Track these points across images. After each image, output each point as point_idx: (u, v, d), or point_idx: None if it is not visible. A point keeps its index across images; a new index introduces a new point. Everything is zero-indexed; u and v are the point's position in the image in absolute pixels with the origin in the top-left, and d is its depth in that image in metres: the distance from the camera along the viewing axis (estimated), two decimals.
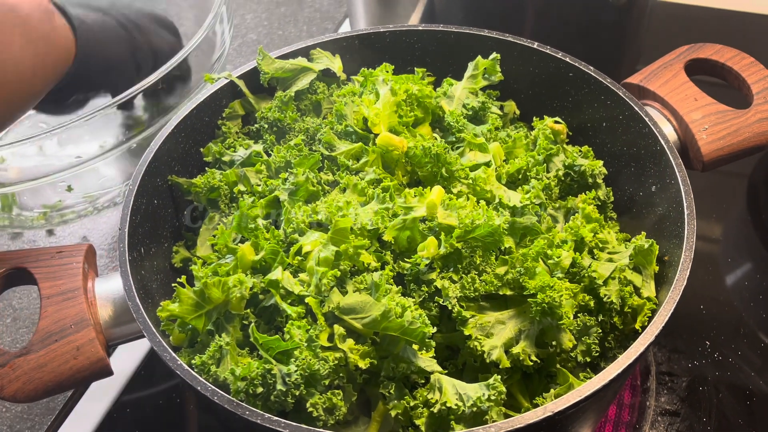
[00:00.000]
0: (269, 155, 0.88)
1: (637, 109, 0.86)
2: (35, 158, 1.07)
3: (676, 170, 0.80)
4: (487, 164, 0.85)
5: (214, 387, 0.65)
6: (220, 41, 1.13)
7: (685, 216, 0.76)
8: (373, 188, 0.80)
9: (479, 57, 0.95)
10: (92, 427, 0.94)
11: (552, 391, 0.73)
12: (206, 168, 0.91)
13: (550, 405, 0.62)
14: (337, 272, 0.71)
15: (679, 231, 0.76)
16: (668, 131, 0.89)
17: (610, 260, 0.79)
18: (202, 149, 0.93)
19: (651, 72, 0.94)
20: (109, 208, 1.13)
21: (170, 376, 0.97)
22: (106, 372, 0.74)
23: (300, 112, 0.94)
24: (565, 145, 0.92)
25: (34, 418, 0.96)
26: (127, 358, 1.00)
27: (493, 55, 0.94)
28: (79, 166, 1.01)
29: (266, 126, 0.92)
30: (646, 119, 0.85)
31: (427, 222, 0.76)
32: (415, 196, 0.78)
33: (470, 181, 0.82)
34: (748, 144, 0.89)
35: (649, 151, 0.85)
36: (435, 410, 0.68)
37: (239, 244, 0.77)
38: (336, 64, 0.98)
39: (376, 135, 0.85)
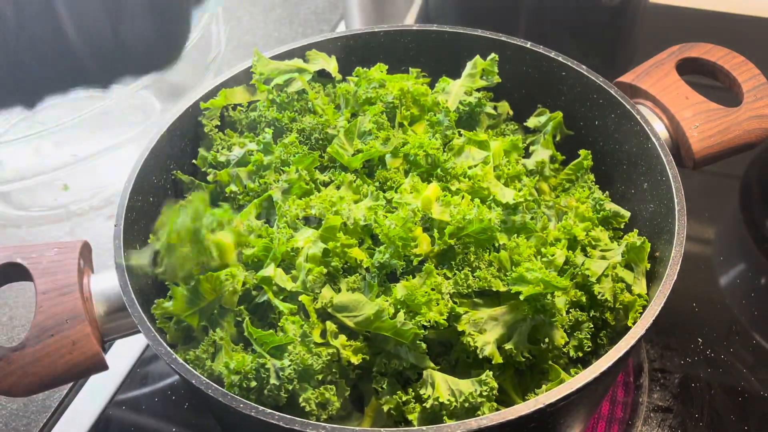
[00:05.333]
0: (266, 154, 0.88)
1: (628, 107, 0.87)
2: (32, 159, 1.08)
3: (667, 167, 0.81)
4: (485, 161, 0.86)
5: (208, 380, 0.66)
6: (215, 42, 1.14)
7: (676, 212, 0.77)
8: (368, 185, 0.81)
9: (477, 56, 0.95)
10: (88, 425, 0.95)
11: (544, 387, 0.74)
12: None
13: (542, 397, 0.63)
14: (323, 269, 0.72)
15: (670, 227, 0.77)
16: (660, 129, 0.89)
17: (603, 258, 0.80)
18: (199, 149, 0.93)
19: (643, 71, 0.95)
20: (107, 206, 1.13)
21: (166, 374, 0.98)
22: (102, 366, 0.75)
23: (295, 112, 0.95)
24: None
25: (30, 415, 0.96)
26: (123, 357, 1.00)
27: (492, 55, 0.94)
28: (75, 165, 1.02)
29: (263, 124, 0.92)
30: (638, 117, 0.86)
31: (418, 214, 0.76)
32: (411, 192, 0.79)
33: (468, 179, 0.82)
34: (739, 141, 0.90)
35: (640, 148, 0.86)
36: (427, 405, 0.69)
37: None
38: (331, 65, 0.98)
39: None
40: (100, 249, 1.10)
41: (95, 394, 0.97)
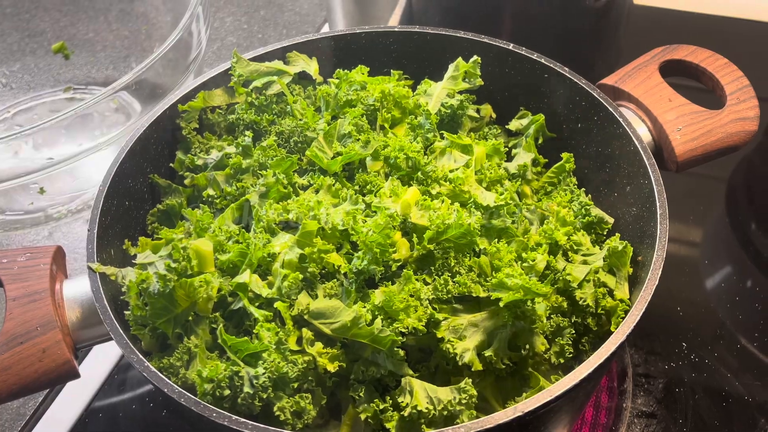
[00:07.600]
0: (245, 157, 0.87)
1: (611, 109, 0.86)
2: (9, 161, 1.06)
3: (650, 170, 0.80)
4: (466, 164, 0.85)
5: (181, 389, 0.64)
6: (196, 42, 1.12)
7: (658, 216, 0.76)
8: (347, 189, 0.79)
9: (460, 58, 0.94)
10: None
11: (524, 394, 0.72)
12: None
13: (521, 405, 0.62)
14: (299, 275, 0.70)
15: (653, 231, 0.76)
16: (642, 132, 0.89)
17: (585, 262, 0.79)
18: (177, 152, 0.92)
19: (626, 73, 0.94)
20: (83, 210, 1.11)
21: (144, 381, 0.97)
22: (73, 374, 0.73)
23: (275, 114, 0.93)
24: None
25: (4, 423, 0.95)
26: (99, 363, 0.99)
27: (474, 58, 0.93)
28: (52, 168, 1.00)
29: (241, 127, 0.91)
30: (621, 120, 0.85)
31: (397, 219, 0.75)
32: (390, 196, 0.78)
33: (448, 183, 0.81)
34: (722, 144, 0.89)
35: (623, 151, 0.85)
36: (405, 414, 0.68)
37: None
38: (312, 67, 0.97)
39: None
40: (77, 254, 1.09)
41: (71, 402, 0.96)
